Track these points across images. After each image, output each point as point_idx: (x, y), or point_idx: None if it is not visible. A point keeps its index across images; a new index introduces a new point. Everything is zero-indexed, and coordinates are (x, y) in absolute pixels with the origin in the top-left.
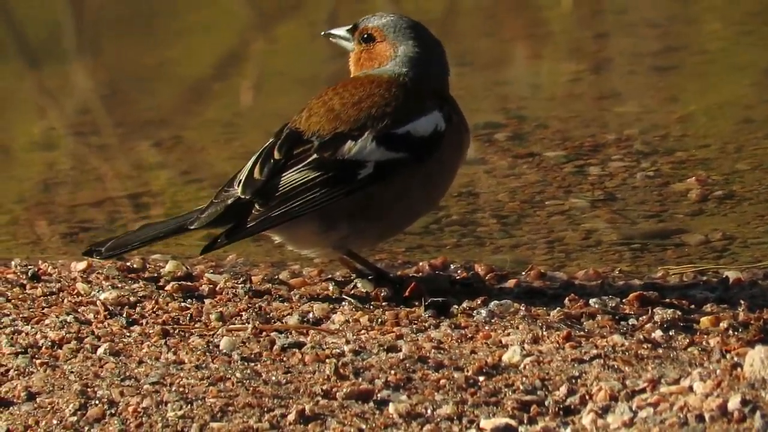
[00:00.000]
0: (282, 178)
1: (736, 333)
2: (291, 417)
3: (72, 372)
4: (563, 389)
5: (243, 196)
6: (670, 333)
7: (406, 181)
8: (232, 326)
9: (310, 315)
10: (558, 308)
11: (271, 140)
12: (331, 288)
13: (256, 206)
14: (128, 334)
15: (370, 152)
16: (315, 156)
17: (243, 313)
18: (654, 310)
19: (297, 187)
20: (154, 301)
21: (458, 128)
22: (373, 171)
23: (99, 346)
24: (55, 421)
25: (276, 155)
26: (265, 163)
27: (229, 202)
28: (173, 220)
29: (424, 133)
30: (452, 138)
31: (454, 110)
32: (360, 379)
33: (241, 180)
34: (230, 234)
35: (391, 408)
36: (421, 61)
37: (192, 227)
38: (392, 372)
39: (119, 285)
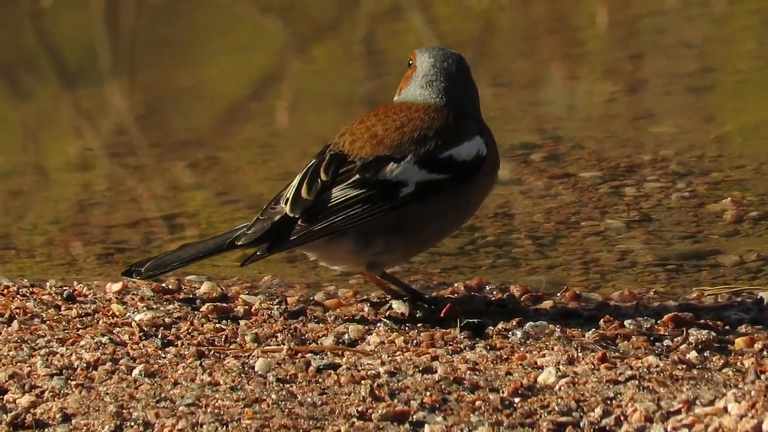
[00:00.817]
0: (327, 196)
1: None
2: None
3: (107, 393)
4: (598, 410)
5: (291, 214)
6: (705, 354)
7: (445, 200)
8: (267, 347)
9: (346, 336)
10: (593, 329)
11: (314, 161)
12: (366, 309)
13: (299, 222)
14: (163, 355)
15: (412, 174)
16: (357, 176)
17: (278, 335)
18: (689, 331)
19: (339, 203)
20: (189, 323)
21: (494, 153)
22: (414, 189)
23: (134, 368)
24: None
25: (323, 176)
26: (312, 183)
27: (276, 218)
28: (212, 240)
29: (466, 158)
30: (490, 162)
31: (489, 134)
32: (395, 400)
33: (288, 198)
34: (271, 247)
35: (426, 429)
36: (445, 85)
37: (239, 243)
38: (428, 393)
39: (154, 306)
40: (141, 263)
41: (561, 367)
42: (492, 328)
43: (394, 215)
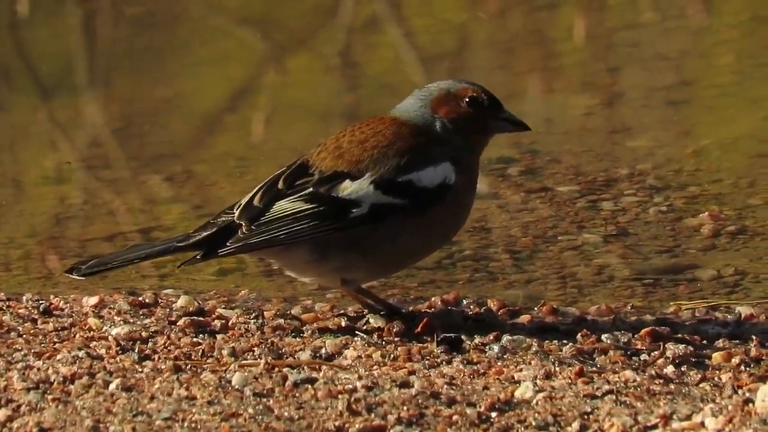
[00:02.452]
0: (274, 206)
1: (748, 369)
2: None
3: (84, 408)
4: (575, 425)
5: (237, 221)
6: (682, 368)
7: (402, 225)
8: (244, 362)
9: (323, 350)
10: (570, 344)
11: (281, 170)
12: (343, 323)
13: (242, 229)
14: (140, 369)
15: (365, 195)
16: (311, 189)
17: (255, 349)
18: (666, 346)
19: (286, 216)
20: (166, 337)
21: (465, 183)
22: (367, 212)
23: (111, 382)
24: None
25: (280, 185)
26: (268, 192)
27: (222, 224)
28: (161, 242)
29: (428, 184)
30: (459, 191)
31: (467, 166)
32: (372, 414)
33: (241, 204)
34: (207, 253)
35: None
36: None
37: (180, 244)
38: (405, 408)
39: (131, 320)
40: (84, 261)
41: (538, 381)
42: (469, 342)
43: (343, 236)
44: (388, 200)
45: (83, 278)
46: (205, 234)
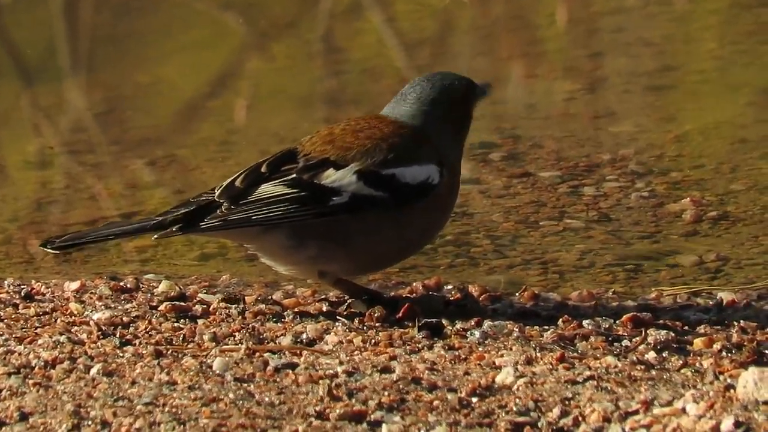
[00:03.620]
0: (257, 188)
1: (729, 354)
2: None
3: (65, 392)
4: (556, 411)
5: (217, 199)
6: (664, 354)
7: (379, 220)
8: (225, 347)
9: (304, 336)
10: (552, 329)
11: (268, 157)
12: (324, 308)
13: (222, 208)
14: (121, 354)
15: (348, 183)
16: (294, 175)
17: (236, 334)
18: (647, 332)
19: (267, 198)
20: (147, 322)
21: (449, 187)
22: (347, 200)
23: (92, 367)
24: None
25: (263, 169)
26: (250, 175)
27: (203, 203)
28: (139, 221)
29: (411, 181)
30: (442, 194)
31: (452, 170)
32: (353, 400)
33: (222, 186)
34: (184, 226)
35: (384, 429)
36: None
37: (157, 221)
38: (386, 393)
39: (112, 305)
40: (59, 236)
41: (519, 367)
42: (450, 327)
43: (322, 222)
44: (369, 192)
45: (57, 251)
46: (183, 211)
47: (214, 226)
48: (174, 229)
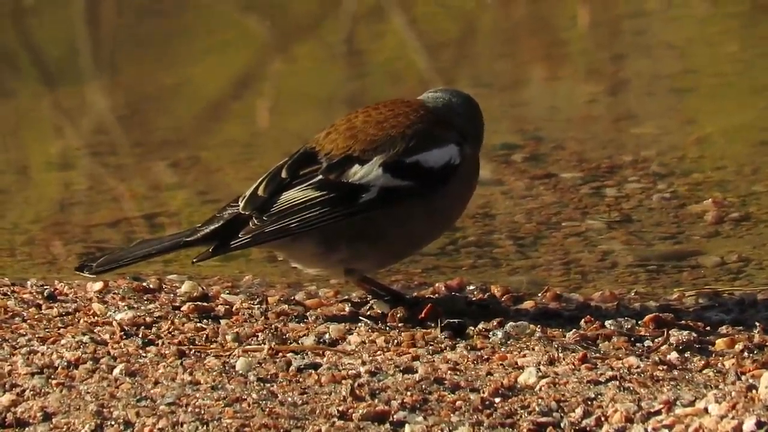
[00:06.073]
0: (282, 196)
1: (751, 355)
2: None
3: (88, 392)
4: (579, 411)
5: (243, 212)
6: (686, 355)
7: (410, 209)
8: (248, 347)
9: (326, 336)
10: (574, 330)
11: (285, 160)
12: (347, 309)
13: (253, 220)
14: (144, 354)
15: (375, 178)
16: (320, 177)
17: (259, 334)
18: (669, 332)
19: (297, 204)
20: (170, 322)
21: (471, 165)
22: (376, 196)
23: (115, 367)
24: None
25: (283, 174)
26: (271, 182)
27: (229, 217)
28: (169, 238)
29: (434, 165)
30: (464, 173)
31: (475, 151)
32: (376, 400)
33: (245, 196)
34: (218, 247)
35: (407, 429)
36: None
37: (188, 239)
38: (408, 393)
39: (135, 305)
40: (93, 258)
41: (542, 367)
42: (473, 328)
43: (356, 220)
44: (396, 183)
45: (94, 276)
46: (212, 227)
47: (248, 243)
48: (210, 251)
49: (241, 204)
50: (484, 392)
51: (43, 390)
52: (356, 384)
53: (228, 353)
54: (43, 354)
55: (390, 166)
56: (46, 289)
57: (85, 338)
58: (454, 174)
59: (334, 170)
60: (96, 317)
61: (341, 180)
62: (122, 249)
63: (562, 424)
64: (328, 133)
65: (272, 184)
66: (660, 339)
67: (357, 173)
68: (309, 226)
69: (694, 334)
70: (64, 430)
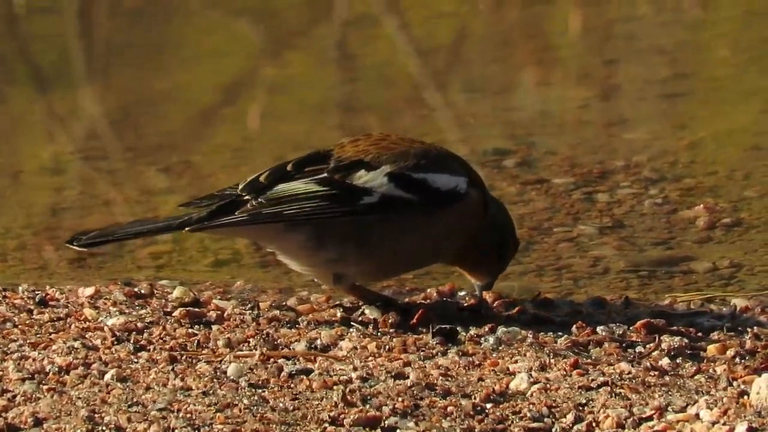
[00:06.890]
0: (283, 185)
1: (743, 361)
2: None
3: (79, 398)
4: (570, 417)
5: (241, 193)
6: (677, 361)
7: (406, 222)
8: (239, 352)
9: (318, 342)
10: (565, 336)
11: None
12: (339, 314)
13: (251, 202)
14: (136, 360)
15: (379, 185)
16: (325, 175)
17: (251, 340)
18: (661, 338)
19: (297, 194)
20: (161, 327)
21: (477, 201)
22: (376, 201)
23: (106, 372)
24: None
25: (289, 168)
26: (275, 173)
27: (227, 199)
28: (164, 219)
29: (441, 186)
30: (468, 207)
31: (481, 194)
32: (368, 405)
33: (245, 181)
34: (213, 216)
35: None
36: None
37: (183, 220)
38: (400, 399)
39: (127, 311)
40: (85, 232)
41: (533, 373)
42: (464, 334)
43: (346, 223)
44: (399, 193)
45: (84, 248)
46: (208, 210)
47: (244, 219)
48: (205, 222)
49: (240, 186)
50: (475, 398)
51: (34, 395)
52: (348, 390)
53: (219, 359)
54: (34, 359)
55: (396, 176)
56: (37, 294)
57: (77, 344)
58: (458, 202)
59: (341, 171)
60: (87, 323)
61: (345, 180)
62: (114, 225)
63: (553, 430)
64: (342, 144)
65: (275, 175)
66: (651, 345)
67: (362, 177)
68: (305, 217)
69: (686, 340)
70: None
